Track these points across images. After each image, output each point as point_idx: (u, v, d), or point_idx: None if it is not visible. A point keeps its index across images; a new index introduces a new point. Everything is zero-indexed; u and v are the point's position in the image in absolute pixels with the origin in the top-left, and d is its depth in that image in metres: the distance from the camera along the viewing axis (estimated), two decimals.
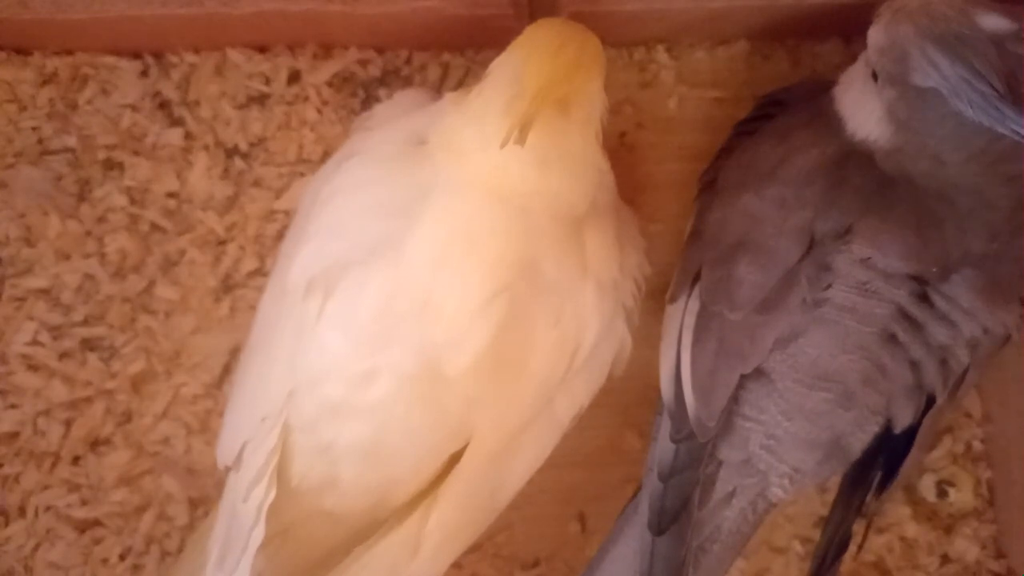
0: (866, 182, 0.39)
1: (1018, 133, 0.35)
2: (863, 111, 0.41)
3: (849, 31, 0.52)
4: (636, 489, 0.43)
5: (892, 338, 0.39)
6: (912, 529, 0.49)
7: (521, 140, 0.34)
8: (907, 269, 0.39)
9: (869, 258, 0.39)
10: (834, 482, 0.45)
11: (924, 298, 0.39)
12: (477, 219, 0.37)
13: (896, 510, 0.49)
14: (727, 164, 0.44)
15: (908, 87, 0.38)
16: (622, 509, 0.43)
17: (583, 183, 0.39)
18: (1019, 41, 0.37)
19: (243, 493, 0.36)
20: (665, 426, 0.41)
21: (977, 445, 0.50)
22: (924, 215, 0.39)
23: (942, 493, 0.50)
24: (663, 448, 0.41)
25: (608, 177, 0.41)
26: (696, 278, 0.42)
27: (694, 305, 0.42)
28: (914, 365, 0.40)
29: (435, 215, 0.37)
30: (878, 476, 0.43)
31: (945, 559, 0.49)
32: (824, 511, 0.49)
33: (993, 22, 0.37)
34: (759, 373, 0.40)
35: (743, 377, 0.40)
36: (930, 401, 0.41)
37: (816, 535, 0.49)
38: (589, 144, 0.39)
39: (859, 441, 0.41)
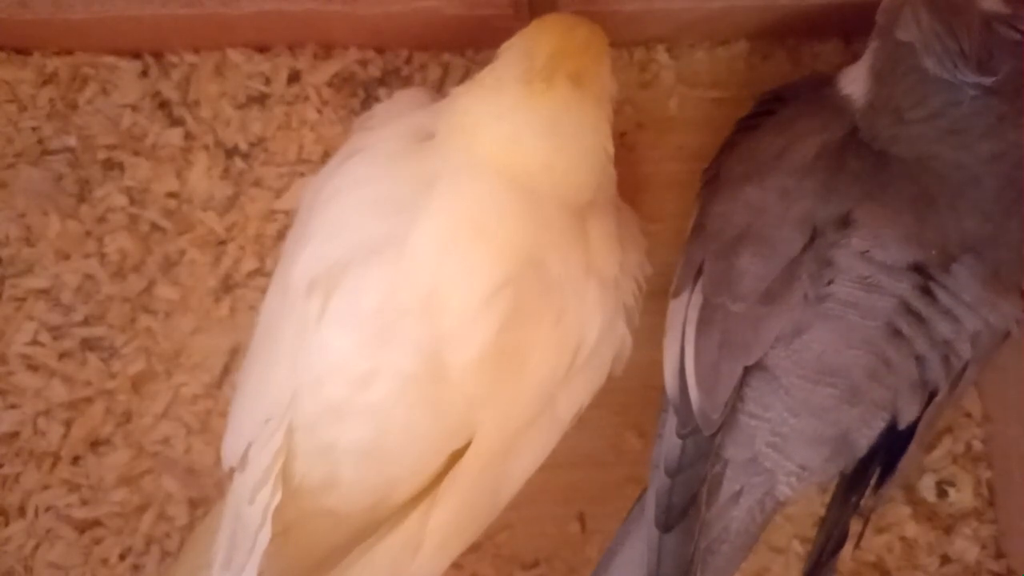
0: (863, 166, 0.40)
1: (966, 84, 0.37)
2: (856, 69, 0.42)
3: (849, 31, 0.52)
4: (640, 492, 0.43)
5: (896, 332, 0.39)
6: (912, 529, 0.49)
7: (547, 77, 0.35)
8: (907, 256, 0.39)
9: (868, 251, 0.39)
10: (834, 482, 0.45)
11: (926, 291, 0.39)
12: (484, 204, 0.37)
13: (896, 510, 0.49)
14: (730, 158, 0.44)
15: (890, 39, 0.40)
16: (627, 513, 0.43)
17: (592, 162, 0.39)
18: (1007, 24, 0.38)
19: (249, 495, 0.36)
20: (671, 423, 0.41)
21: (977, 445, 0.50)
22: (918, 193, 0.39)
23: (942, 493, 0.50)
24: (670, 444, 0.41)
25: (611, 169, 0.41)
26: (699, 272, 0.42)
27: (697, 299, 0.42)
28: (919, 359, 0.40)
29: (441, 201, 0.37)
30: (876, 472, 0.43)
31: (945, 559, 0.49)
32: (824, 511, 0.49)
33: (990, 3, 0.38)
34: (764, 370, 0.40)
35: (748, 374, 0.40)
36: (931, 396, 0.41)
37: None
38: (601, 122, 0.39)
39: (865, 437, 0.41)
